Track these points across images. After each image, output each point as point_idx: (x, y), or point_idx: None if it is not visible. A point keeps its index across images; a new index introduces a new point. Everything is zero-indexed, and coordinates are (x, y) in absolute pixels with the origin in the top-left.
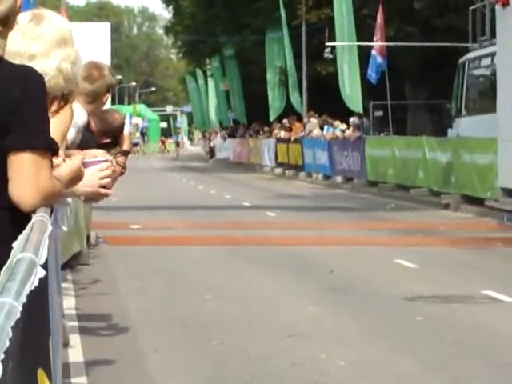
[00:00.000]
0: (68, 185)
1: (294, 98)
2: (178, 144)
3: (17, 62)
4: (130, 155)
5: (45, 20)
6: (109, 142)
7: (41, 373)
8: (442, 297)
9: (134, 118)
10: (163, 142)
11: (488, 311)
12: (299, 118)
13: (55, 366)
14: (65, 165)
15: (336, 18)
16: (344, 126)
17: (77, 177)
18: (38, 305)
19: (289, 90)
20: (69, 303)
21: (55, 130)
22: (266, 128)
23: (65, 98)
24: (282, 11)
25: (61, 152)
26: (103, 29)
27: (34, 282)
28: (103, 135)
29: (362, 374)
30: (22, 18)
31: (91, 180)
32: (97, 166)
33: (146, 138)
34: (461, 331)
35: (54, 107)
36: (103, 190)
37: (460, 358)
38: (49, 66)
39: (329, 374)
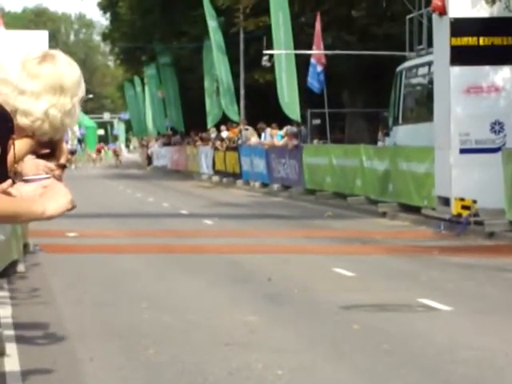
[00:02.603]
0: None
1: (228, 108)
2: (115, 152)
3: (7, 90)
4: (68, 165)
5: (50, 61)
6: (47, 153)
7: None
8: (379, 305)
9: None
10: (99, 151)
11: (424, 320)
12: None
13: None
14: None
15: (273, 26)
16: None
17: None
18: None
19: (220, 98)
20: (5, 312)
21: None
22: (204, 135)
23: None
24: (210, 22)
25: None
26: (41, 37)
27: None
28: (41, 145)
29: (298, 382)
30: (33, 52)
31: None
32: (40, 182)
33: (83, 145)
34: (397, 340)
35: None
36: None
37: (396, 367)
38: (36, 108)
39: (266, 383)
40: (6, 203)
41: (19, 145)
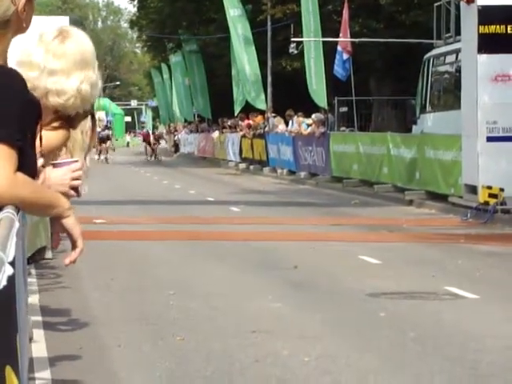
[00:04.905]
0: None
1: (253, 99)
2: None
3: (35, 73)
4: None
5: (70, 38)
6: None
7: (9, 370)
8: (405, 293)
9: (99, 112)
10: (147, 138)
11: (450, 307)
12: (263, 113)
13: (22, 362)
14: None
15: (303, 13)
16: (310, 121)
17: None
18: (5, 303)
19: (244, 89)
20: (32, 298)
21: (44, 143)
22: (231, 122)
23: (71, 122)
24: (229, 11)
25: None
26: (62, 22)
27: (1, 281)
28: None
29: (324, 369)
30: (48, 32)
31: (64, 179)
32: (69, 166)
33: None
34: (423, 328)
35: (56, 123)
36: (72, 192)
37: (422, 355)
38: (68, 86)
39: (292, 370)
40: (47, 193)
41: (55, 136)
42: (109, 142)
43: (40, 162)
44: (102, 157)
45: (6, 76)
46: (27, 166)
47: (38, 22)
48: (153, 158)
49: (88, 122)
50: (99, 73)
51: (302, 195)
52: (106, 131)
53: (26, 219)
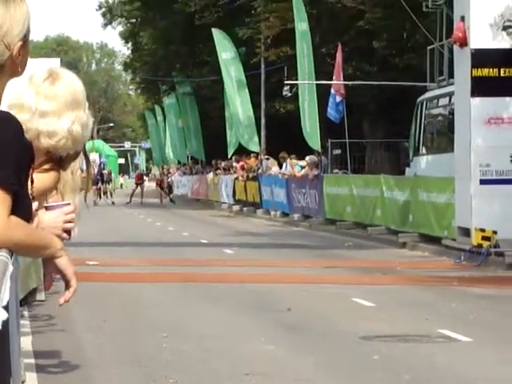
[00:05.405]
0: None
1: (246, 142)
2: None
3: (25, 116)
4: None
5: (60, 79)
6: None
7: None
8: (399, 336)
9: (92, 153)
10: (140, 180)
11: (444, 350)
12: (256, 155)
13: None
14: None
15: (298, 56)
16: (303, 163)
17: None
18: None
19: (238, 132)
20: (25, 340)
21: (36, 186)
22: (225, 164)
23: (61, 163)
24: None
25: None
26: (53, 64)
27: None
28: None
29: None
30: (38, 74)
31: (56, 222)
32: (61, 209)
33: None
34: (417, 370)
35: (46, 165)
36: (65, 235)
37: None
38: (59, 127)
39: None
40: (40, 235)
41: (46, 178)
42: (108, 184)
43: (34, 205)
44: (109, 200)
45: (3, 119)
46: (22, 209)
47: (30, 64)
48: (167, 200)
49: (77, 162)
50: (90, 113)
51: (295, 237)
52: (107, 174)
53: (19, 262)
